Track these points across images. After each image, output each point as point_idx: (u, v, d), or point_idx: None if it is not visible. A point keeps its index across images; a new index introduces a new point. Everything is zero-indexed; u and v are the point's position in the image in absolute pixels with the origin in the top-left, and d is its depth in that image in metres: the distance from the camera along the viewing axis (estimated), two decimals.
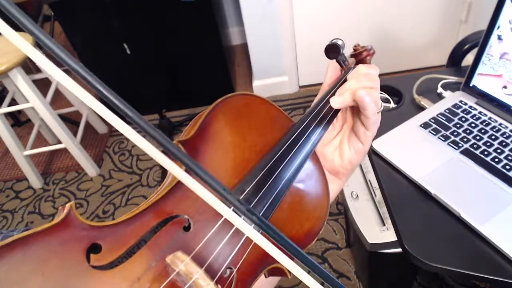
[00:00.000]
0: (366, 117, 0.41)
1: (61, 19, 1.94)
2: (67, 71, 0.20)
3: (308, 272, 0.25)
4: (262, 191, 0.38)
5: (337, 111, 0.45)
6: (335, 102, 0.43)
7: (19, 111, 2.18)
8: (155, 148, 0.22)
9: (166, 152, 0.23)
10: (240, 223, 0.25)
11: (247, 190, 0.38)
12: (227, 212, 0.25)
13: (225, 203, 0.24)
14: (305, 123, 0.43)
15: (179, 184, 0.35)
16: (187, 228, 0.35)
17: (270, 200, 0.38)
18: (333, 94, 0.45)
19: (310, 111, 0.44)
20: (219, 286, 0.34)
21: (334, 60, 0.47)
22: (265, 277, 0.39)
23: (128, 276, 0.31)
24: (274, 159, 0.40)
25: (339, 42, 0.46)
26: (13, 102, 1.85)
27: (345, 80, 0.45)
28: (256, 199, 0.38)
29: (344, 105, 0.43)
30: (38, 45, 1.81)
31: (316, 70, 2.17)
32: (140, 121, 0.20)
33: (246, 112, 0.43)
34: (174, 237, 0.34)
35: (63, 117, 1.86)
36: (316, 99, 0.47)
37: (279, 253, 0.26)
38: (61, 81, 0.19)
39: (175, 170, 0.22)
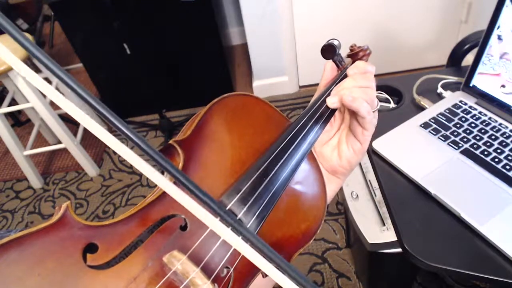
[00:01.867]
0: (361, 117, 0.41)
1: (61, 19, 1.94)
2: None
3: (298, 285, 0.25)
4: (258, 190, 0.38)
5: (334, 110, 0.45)
6: (331, 102, 0.43)
7: (19, 111, 2.17)
8: (139, 157, 0.22)
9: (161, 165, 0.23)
10: (227, 234, 0.25)
11: (243, 189, 0.38)
12: (213, 223, 0.25)
13: (212, 213, 0.24)
14: (301, 123, 0.43)
15: (176, 184, 0.35)
16: (183, 228, 0.35)
17: (267, 200, 0.38)
18: (330, 94, 0.45)
19: (307, 111, 0.44)
20: (216, 285, 0.34)
21: (331, 61, 0.47)
22: (263, 276, 0.39)
23: (125, 276, 0.31)
24: (270, 159, 0.40)
25: (335, 43, 0.46)
26: (13, 102, 1.85)
27: (344, 78, 0.45)
28: (252, 199, 0.38)
29: (339, 105, 0.43)
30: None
31: (316, 70, 2.16)
32: (128, 131, 0.21)
33: (242, 111, 0.43)
34: (170, 237, 0.34)
35: (63, 117, 1.85)
36: (312, 99, 0.47)
37: (267, 264, 0.26)
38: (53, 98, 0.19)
39: (163, 183, 0.22)
